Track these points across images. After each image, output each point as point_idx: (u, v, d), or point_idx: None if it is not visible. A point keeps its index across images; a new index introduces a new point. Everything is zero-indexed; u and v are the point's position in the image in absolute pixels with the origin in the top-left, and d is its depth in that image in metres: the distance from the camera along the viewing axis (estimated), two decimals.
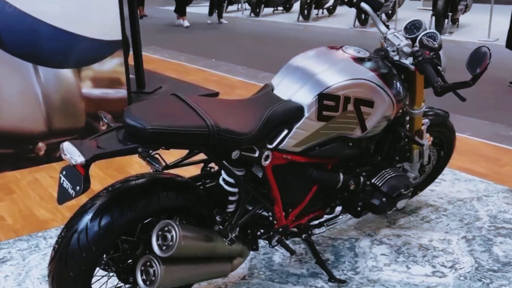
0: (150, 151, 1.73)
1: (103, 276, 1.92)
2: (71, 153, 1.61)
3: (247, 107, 2.00)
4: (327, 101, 2.04)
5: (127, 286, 1.94)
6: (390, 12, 11.52)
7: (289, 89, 2.08)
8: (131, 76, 4.39)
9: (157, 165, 1.71)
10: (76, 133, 3.81)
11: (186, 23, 11.67)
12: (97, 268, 1.81)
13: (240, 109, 1.98)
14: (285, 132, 2.01)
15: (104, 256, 1.81)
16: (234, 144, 1.83)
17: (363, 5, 2.44)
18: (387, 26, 2.42)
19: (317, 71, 2.10)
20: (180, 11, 11.66)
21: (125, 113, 1.72)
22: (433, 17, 9.47)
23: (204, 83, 6.18)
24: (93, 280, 1.80)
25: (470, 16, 10.95)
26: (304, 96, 2.04)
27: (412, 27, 2.45)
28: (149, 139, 1.67)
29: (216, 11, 12.52)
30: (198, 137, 1.74)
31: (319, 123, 2.05)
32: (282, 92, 2.10)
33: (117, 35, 3.85)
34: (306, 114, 2.02)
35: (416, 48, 2.25)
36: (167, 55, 8.24)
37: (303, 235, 2.33)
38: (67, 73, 3.72)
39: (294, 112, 2.02)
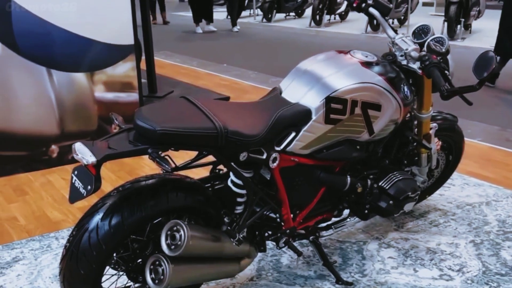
0: (160, 152, 1.77)
1: (113, 275, 1.95)
2: (83, 153, 1.65)
3: (255, 110, 2.03)
4: (335, 104, 2.06)
5: (136, 285, 1.97)
6: (402, 17, 11.50)
7: (297, 92, 2.11)
8: (143, 80, 4.44)
9: (166, 166, 1.74)
10: (88, 136, 3.86)
11: (199, 30, 11.91)
12: (107, 267, 1.84)
13: (249, 112, 2.01)
14: (293, 134, 2.04)
15: (114, 255, 1.84)
16: (242, 146, 1.86)
17: (372, 10, 2.46)
18: (396, 31, 2.44)
19: (325, 74, 2.12)
20: (195, 19, 11.91)
21: (136, 115, 1.76)
22: (446, 23, 9.45)
23: (215, 87, 6.22)
24: (103, 278, 1.83)
25: (482, 22, 10.91)
26: (312, 99, 2.06)
27: (420, 32, 2.46)
28: (159, 140, 1.70)
29: (230, 18, 12.60)
30: (207, 139, 1.77)
31: (326, 126, 2.08)
32: (290, 95, 2.12)
33: (129, 40, 3.90)
34: (313, 117, 2.04)
35: (424, 53, 2.27)
36: (179, 60, 8.30)
37: (311, 237, 2.35)
38: (80, 77, 3.78)
39: (302, 115, 2.04)
